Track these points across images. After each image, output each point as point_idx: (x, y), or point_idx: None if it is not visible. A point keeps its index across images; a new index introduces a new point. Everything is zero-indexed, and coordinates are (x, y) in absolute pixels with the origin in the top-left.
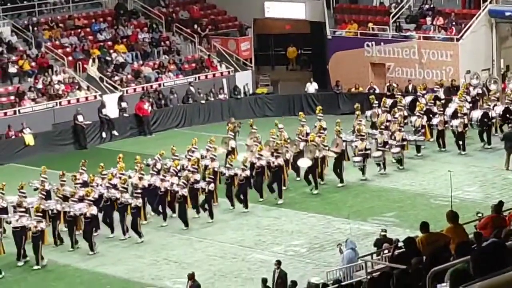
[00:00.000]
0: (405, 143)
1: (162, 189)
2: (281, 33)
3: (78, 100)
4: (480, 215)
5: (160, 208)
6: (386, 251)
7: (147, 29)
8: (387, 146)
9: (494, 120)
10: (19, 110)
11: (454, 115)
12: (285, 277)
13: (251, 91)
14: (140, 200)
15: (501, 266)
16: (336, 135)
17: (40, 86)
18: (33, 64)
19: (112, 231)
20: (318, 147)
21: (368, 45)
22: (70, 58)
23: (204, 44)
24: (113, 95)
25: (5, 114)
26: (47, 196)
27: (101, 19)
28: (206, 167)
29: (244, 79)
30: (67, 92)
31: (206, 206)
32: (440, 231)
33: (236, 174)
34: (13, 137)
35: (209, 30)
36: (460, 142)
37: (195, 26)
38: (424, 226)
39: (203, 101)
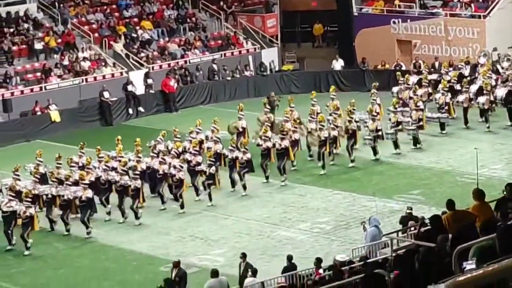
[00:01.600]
0: (421, 123)
1: (161, 172)
2: (307, 10)
3: (104, 76)
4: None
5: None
6: (412, 229)
7: (173, 6)
8: (400, 126)
9: None
10: (45, 87)
11: (479, 92)
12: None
13: (277, 68)
14: (139, 182)
15: None
16: (348, 115)
17: (66, 62)
18: (59, 40)
19: (109, 213)
20: (318, 139)
21: (394, 22)
22: (96, 34)
23: (230, 21)
24: (139, 72)
25: (32, 90)
26: (43, 180)
27: None
28: (208, 149)
29: (270, 56)
30: (93, 69)
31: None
32: (466, 209)
33: (237, 157)
34: (39, 113)
35: (235, 7)
36: (486, 119)
37: (221, 2)
38: (450, 204)
39: (228, 78)
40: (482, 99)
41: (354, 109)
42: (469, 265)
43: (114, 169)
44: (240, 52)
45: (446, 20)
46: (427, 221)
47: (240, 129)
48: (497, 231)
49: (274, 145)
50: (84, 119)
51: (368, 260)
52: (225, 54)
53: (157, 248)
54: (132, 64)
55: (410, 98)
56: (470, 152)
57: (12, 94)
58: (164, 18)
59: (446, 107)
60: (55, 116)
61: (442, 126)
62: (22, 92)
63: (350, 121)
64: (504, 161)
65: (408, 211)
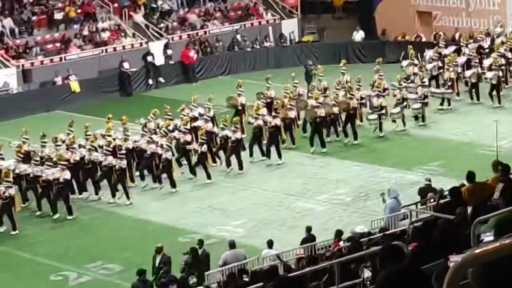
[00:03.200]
0: (426, 100)
1: (148, 152)
2: None
3: (123, 47)
4: None
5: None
6: (431, 201)
7: None
8: (405, 103)
9: None
10: (65, 57)
11: (467, 65)
12: (208, 257)
13: (296, 39)
14: (125, 162)
15: None
16: (347, 91)
17: (86, 33)
18: (79, 11)
19: (97, 193)
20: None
21: None
22: (115, 5)
23: None
24: (158, 43)
25: (51, 61)
26: (27, 159)
27: None
28: (198, 127)
29: (290, 27)
30: (113, 39)
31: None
32: (485, 181)
33: (228, 136)
34: (59, 84)
35: None
36: (494, 93)
37: None
38: (470, 176)
39: (248, 49)
40: (468, 73)
41: (360, 85)
42: (487, 237)
43: (101, 147)
44: (260, 23)
45: None
46: (446, 193)
47: (239, 107)
48: None
49: (266, 123)
50: (104, 90)
51: (387, 232)
52: (245, 25)
53: (175, 219)
54: (151, 34)
55: (415, 74)
56: (490, 124)
57: (32, 64)
58: None
59: (450, 83)
60: (75, 86)
61: (448, 101)
62: (42, 62)
63: (351, 98)
64: None
65: (426, 182)
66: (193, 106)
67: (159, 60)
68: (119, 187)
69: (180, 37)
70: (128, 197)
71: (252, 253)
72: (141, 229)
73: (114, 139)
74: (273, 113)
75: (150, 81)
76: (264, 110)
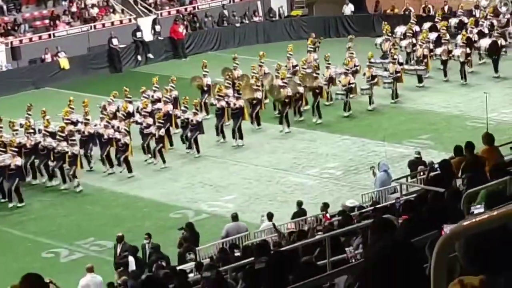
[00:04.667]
0: (399, 74)
1: (105, 136)
2: None
3: (112, 23)
4: None
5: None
6: (421, 174)
7: None
8: (376, 79)
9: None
10: (53, 34)
11: (438, 42)
12: (159, 249)
13: (286, 14)
14: (77, 148)
15: None
16: (314, 70)
17: (74, 9)
18: None
19: (50, 179)
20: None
21: None
22: None
23: None
24: (147, 18)
25: (40, 38)
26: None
27: None
28: (155, 110)
29: (279, 1)
30: (102, 16)
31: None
32: (475, 154)
33: (188, 119)
34: (48, 61)
35: None
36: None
37: None
38: (458, 150)
39: (237, 24)
40: (439, 50)
41: (329, 63)
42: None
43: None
44: None
45: None
46: (436, 166)
47: (205, 88)
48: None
49: (229, 104)
50: (93, 66)
51: (378, 205)
52: (234, 0)
53: (166, 194)
54: (140, 10)
55: (390, 50)
56: (480, 96)
57: (21, 41)
58: None
59: (425, 60)
60: (64, 63)
61: (420, 78)
62: (30, 39)
63: (316, 78)
64: None
65: (416, 155)
66: (156, 88)
67: (148, 36)
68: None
69: (169, 12)
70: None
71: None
72: (132, 205)
73: (67, 124)
74: (236, 94)
75: (139, 57)
76: (229, 91)
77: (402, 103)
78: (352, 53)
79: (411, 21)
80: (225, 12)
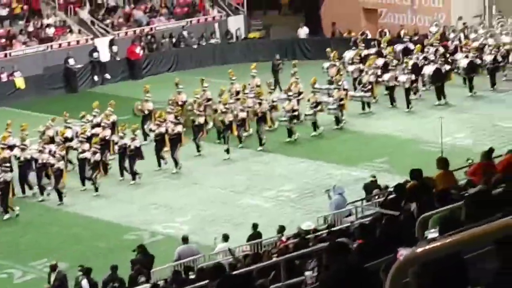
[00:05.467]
0: (342, 102)
1: (40, 161)
2: None
3: (69, 43)
4: (470, 161)
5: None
6: (376, 197)
7: None
8: (319, 106)
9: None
10: (10, 53)
11: (385, 68)
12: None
13: (243, 36)
14: (10, 175)
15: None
16: (257, 96)
17: (31, 29)
18: (24, 7)
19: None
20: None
21: None
22: (61, 1)
23: None
24: (104, 39)
25: None
26: None
27: None
28: (94, 135)
29: (236, 23)
30: (58, 36)
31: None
32: (430, 177)
33: (125, 145)
34: (4, 80)
35: None
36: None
37: None
38: (413, 173)
39: (195, 46)
40: (386, 76)
41: (272, 89)
42: (432, 234)
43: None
44: (206, 19)
45: None
46: (391, 189)
47: (146, 112)
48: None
49: (167, 130)
50: (49, 86)
51: (333, 229)
52: (191, 21)
53: (121, 216)
54: (97, 31)
55: (336, 76)
56: (435, 121)
57: None
58: None
59: (370, 86)
60: (20, 83)
61: (365, 105)
62: None
63: (260, 103)
64: (468, 130)
65: (372, 179)
66: (95, 113)
67: (105, 56)
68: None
69: (126, 33)
70: (6, 212)
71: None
72: (87, 226)
73: (3, 149)
74: (175, 120)
75: (96, 78)
76: (171, 117)
77: (357, 127)
78: (297, 79)
79: (360, 46)
80: (183, 33)
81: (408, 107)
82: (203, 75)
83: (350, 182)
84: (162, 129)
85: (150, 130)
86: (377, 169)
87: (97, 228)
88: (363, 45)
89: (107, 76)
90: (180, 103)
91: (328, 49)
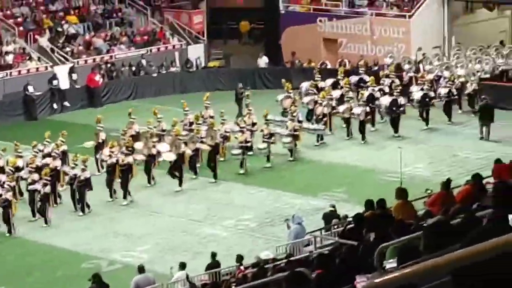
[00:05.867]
0: (297, 133)
1: None
2: (234, 7)
3: (28, 70)
4: (429, 191)
5: None
6: (335, 227)
7: (100, 1)
8: (273, 138)
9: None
10: None
11: (340, 100)
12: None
13: (203, 65)
14: None
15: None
16: (210, 127)
17: None
18: None
19: None
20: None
21: (320, 21)
22: (21, 28)
23: (157, 17)
24: (64, 66)
25: None
26: None
27: None
28: (44, 165)
29: (196, 52)
30: (18, 63)
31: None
32: (389, 208)
33: (76, 175)
34: None
35: (162, 3)
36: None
37: None
38: (369, 204)
39: (154, 74)
40: (341, 108)
41: (224, 119)
42: (390, 264)
43: None
44: (166, 48)
45: (372, 19)
46: (350, 219)
47: (100, 141)
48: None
49: (117, 161)
50: (8, 113)
51: (292, 258)
52: (151, 49)
53: (80, 244)
54: (57, 58)
55: (291, 107)
56: (394, 151)
57: None
58: (90, 13)
59: (325, 118)
60: None
61: (320, 137)
62: None
63: (212, 128)
64: (427, 160)
65: (331, 208)
66: (47, 142)
67: (65, 84)
68: None
69: (86, 61)
70: None
71: (157, 278)
72: (45, 254)
73: None
74: (126, 151)
75: (55, 105)
76: (122, 147)
77: (317, 157)
78: (250, 110)
79: (316, 77)
80: (142, 61)
81: (363, 138)
82: (162, 103)
83: (309, 212)
84: (114, 160)
85: (102, 160)
86: (336, 198)
87: (55, 256)
88: (319, 76)
89: (67, 103)
90: (133, 133)
91: (283, 80)
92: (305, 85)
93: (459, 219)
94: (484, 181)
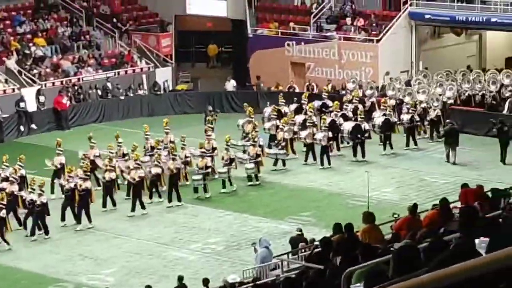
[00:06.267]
0: (259, 158)
1: None
2: (202, 30)
3: None
4: (396, 216)
5: None
6: (302, 251)
7: (67, 23)
8: (233, 164)
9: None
10: None
11: (303, 125)
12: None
13: (170, 88)
14: None
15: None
16: (170, 152)
17: None
18: None
19: None
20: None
21: (288, 44)
22: None
23: (125, 39)
24: (31, 89)
25: None
26: None
27: (21, 12)
28: (1, 190)
29: (164, 75)
30: None
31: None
32: (356, 231)
33: (32, 200)
34: None
35: (130, 26)
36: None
37: (116, 20)
38: (337, 227)
39: (122, 97)
40: (303, 133)
41: (184, 144)
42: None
43: None
44: (134, 71)
45: (339, 44)
46: (317, 243)
47: (59, 166)
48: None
49: (76, 186)
50: None
51: (258, 282)
52: (119, 72)
53: (45, 267)
54: (24, 80)
55: (251, 132)
56: (362, 175)
57: None
58: (57, 35)
59: (285, 143)
60: None
61: (282, 162)
62: None
63: (174, 159)
64: (394, 185)
65: (298, 232)
66: (5, 166)
67: (32, 106)
68: None
69: (53, 83)
70: None
71: None
72: (10, 277)
73: None
74: (84, 176)
75: (22, 128)
76: (80, 172)
77: (284, 181)
78: (209, 136)
79: (280, 102)
80: (110, 84)
81: (328, 163)
82: (130, 126)
83: (276, 236)
84: (72, 185)
85: (60, 185)
86: (303, 222)
87: (21, 279)
88: (283, 101)
89: (34, 126)
90: (92, 158)
91: (245, 104)
92: (267, 110)
93: (426, 243)
94: (451, 206)
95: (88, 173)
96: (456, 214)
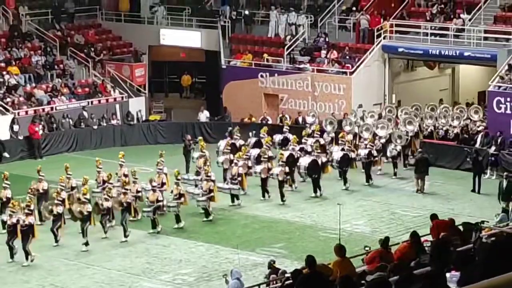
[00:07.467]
0: (212, 194)
1: None
2: (176, 60)
3: None
4: (367, 248)
5: None
6: (274, 282)
7: (41, 52)
8: (182, 199)
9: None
10: None
11: (258, 159)
12: None
13: (144, 118)
14: None
15: None
16: (122, 186)
17: None
18: None
19: None
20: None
21: (262, 76)
22: None
23: (98, 69)
24: (4, 117)
25: None
26: None
27: None
28: None
29: (137, 105)
30: None
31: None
32: (327, 264)
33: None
34: None
35: (104, 55)
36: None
37: (90, 50)
38: (309, 261)
39: (95, 126)
40: (258, 168)
41: (136, 178)
42: None
43: None
44: (107, 100)
45: (313, 76)
46: (288, 275)
47: (4, 199)
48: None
49: (18, 221)
50: None
51: None
52: (92, 101)
53: None
54: None
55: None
56: (333, 207)
57: None
58: (31, 64)
59: (239, 178)
60: None
61: (234, 197)
62: None
63: (125, 193)
64: (366, 217)
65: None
66: None
67: (5, 134)
68: None
69: (27, 112)
70: None
71: None
72: None
73: None
74: (27, 211)
75: None
76: (32, 206)
77: (256, 212)
78: (160, 169)
79: (235, 135)
80: (83, 113)
81: (282, 199)
82: (103, 156)
83: (247, 267)
84: (14, 220)
85: (2, 221)
86: (275, 254)
87: None
88: (239, 135)
89: (6, 154)
90: (41, 191)
91: (200, 138)
92: (222, 143)
93: (397, 277)
94: (422, 239)
95: (31, 208)
96: (427, 248)
